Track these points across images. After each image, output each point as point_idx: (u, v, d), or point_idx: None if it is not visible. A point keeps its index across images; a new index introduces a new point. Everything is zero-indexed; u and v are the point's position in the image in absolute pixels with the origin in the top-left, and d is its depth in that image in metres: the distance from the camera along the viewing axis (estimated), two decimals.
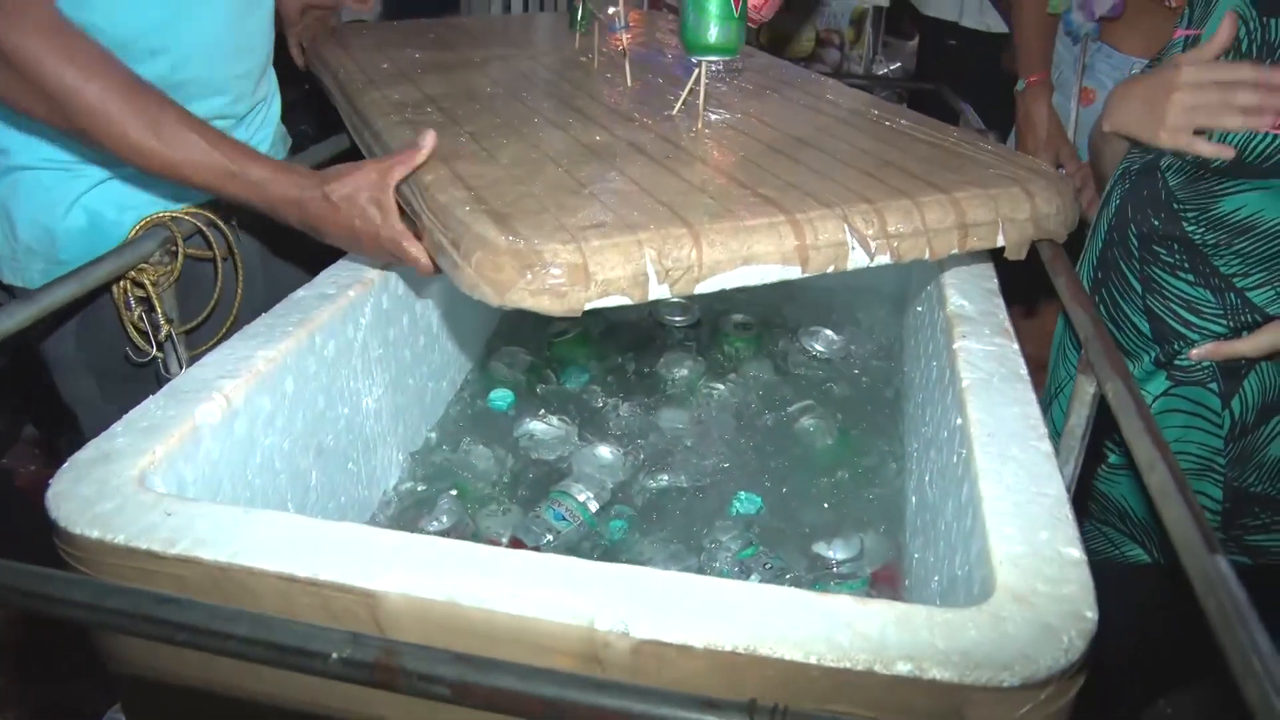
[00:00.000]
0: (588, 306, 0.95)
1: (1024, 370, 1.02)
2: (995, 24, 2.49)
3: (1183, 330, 1.36)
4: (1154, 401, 1.41)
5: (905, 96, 2.86)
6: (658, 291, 0.97)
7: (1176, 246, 1.34)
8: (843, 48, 2.86)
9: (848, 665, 0.63)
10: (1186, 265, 1.33)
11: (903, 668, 0.63)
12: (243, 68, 1.39)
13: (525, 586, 0.68)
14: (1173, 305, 1.36)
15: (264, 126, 1.49)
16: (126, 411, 0.91)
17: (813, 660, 0.63)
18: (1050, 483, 0.82)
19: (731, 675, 0.65)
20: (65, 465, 0.81)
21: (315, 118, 2.00)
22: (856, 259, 1.06)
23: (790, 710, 0.51)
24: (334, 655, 0.52)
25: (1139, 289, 1.39)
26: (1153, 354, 1.40)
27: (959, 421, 0.96)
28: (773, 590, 0.69)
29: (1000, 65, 2.38)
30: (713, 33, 1.25)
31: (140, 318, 1.24)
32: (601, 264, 0.94)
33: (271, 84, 1.51)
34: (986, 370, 1.01)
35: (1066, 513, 0.78)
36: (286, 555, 0.70)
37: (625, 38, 1.49)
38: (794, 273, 1.03)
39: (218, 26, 1.31)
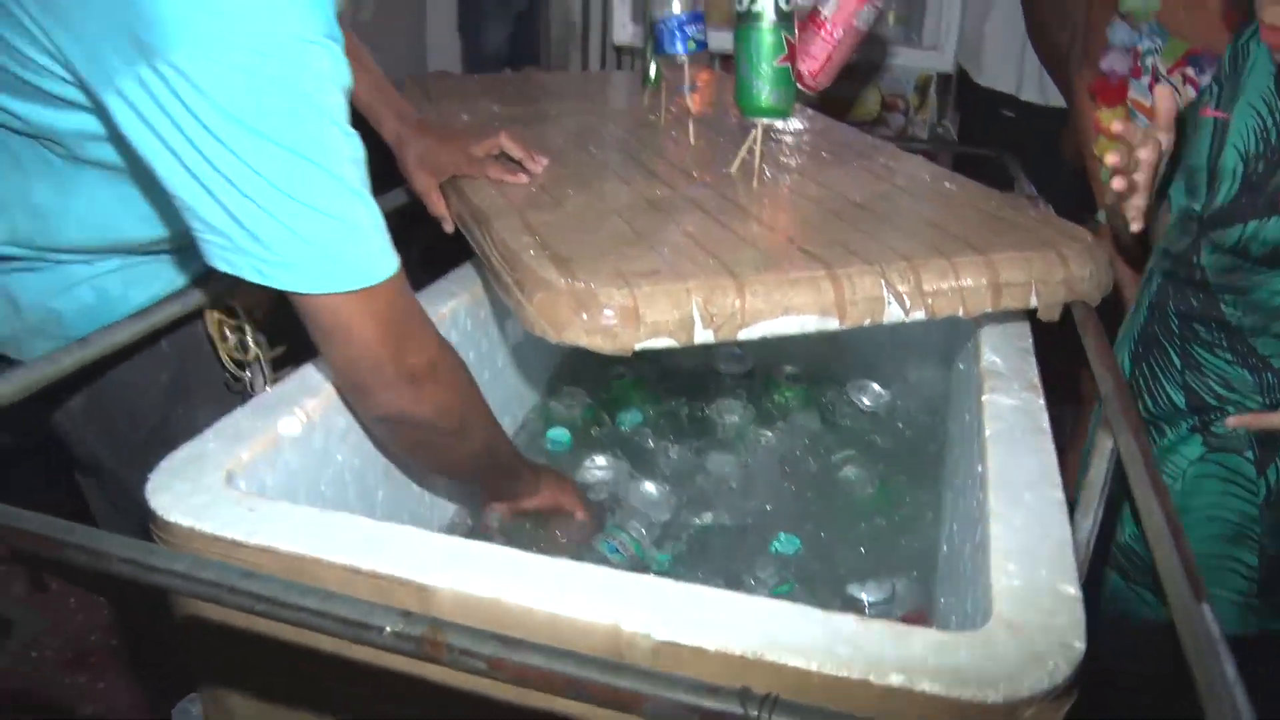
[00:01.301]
0: (637, 347, 1.04)
1: (1045, 424, 1.08)
2: (1055, 98, 2.51)
3: (1219, 405, 1.40)
4: (1189, 467, 1.45)
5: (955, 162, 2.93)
6: (702, 336, 1.05)
7: (1215, 326, 1.38)
8: (907, 113, 2.94)
9: (845, 674, 0.70)
10: (1225, 344, 1.38)
11: (895, 679, 0.69)
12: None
13: (561, 590, 0.76)
14: (1210, 381, 1.40)
15: None
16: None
17: (813, 667, 0.70)
18: (1057, 527, 0.88)
19: (740, 677, 0.71)
20: (163, 462, 0.91)
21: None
22: (892, 313, 1.13)
23: (780, 700, 0.57)
24: (387, 629, 0.60)
25: (1178, 364, 1.43)
26: (1189, 422, 1.44)
27: (980, 469, 1.02)
28: (782, 605, 0.76)
29: (1057, 143, 2.41)
30: (766, 96, 1.34)
31: (230, 340, 1.35)
32: (651, 308, 1.03)
33: None
34: (1010, 422, 1.07)
35: (1068, 553, 0.84)
36: (351, 550, 0.79)
37: (691, 98, 1.59)
38: (832, 324, 1.10)
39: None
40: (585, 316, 1.02)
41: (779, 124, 1.68)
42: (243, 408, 1.05)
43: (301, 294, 0.93)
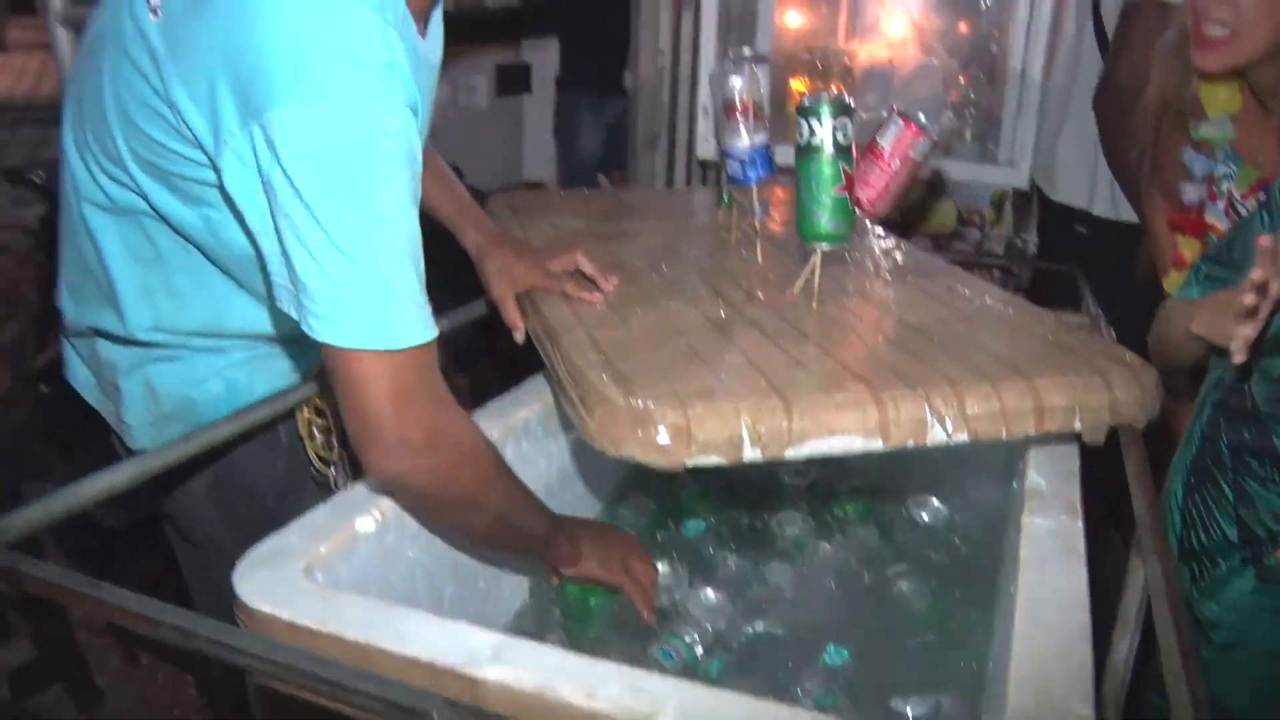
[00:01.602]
0: (689, 463, 1.11)
1: (1081, 548, 1.12)
2: (1127, 213, 2.53)
3: (1271, 537, 1.41)
4: (1243, 599, 1.45)
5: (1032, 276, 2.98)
6: (750, 454, 1.12)
7: (1268, 460, 1.40)
8: (983, 227, 3.00)
9: None
10: (1277, 478, 1.40)
11: None
12: None
13: (600, 688, 0.83)
14: (1262, 514, 1.42)
15: None
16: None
17: None
18: (1078, 651, 0.92)
19: None
20: (250, 551, 1.01)
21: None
22: (936, 435, 1.18)
23: None
24: (434, 715, 0.68)
25: (1231, 498, 1.45)
26: (1242, 554, 1.45)
27: (1013, 590, 1.07)
28: (804, 714, 0.81)
29: (1130, 258, 2.43)
30: (825, 223, 1.42)
31: (318, 439, 1.45)
32: (703, 427, 1.10)
33: None
34: (1047, 546, 1.12)
35: (1086, 677, 0.88)
36: (410, 642, 0.87)
37: (759, 221, 1.68)
38: (875, 445, 1.16)
39: None
40: (641, 434, 1.10)
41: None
42: (324, 504, 1.14)
43: (329, 344, 1.03)
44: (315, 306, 1.03)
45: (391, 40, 1.04)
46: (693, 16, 3.04)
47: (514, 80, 5.37)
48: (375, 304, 1.04)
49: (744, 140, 1.60)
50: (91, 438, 1.94)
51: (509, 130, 5.53)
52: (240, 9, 1.00)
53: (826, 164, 1.39)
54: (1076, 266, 2.26)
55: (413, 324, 1.06)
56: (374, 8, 1.03)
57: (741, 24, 3.36)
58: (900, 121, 1.54)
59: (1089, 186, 2.66)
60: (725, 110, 1.62)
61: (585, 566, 1.39)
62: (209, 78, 1.03)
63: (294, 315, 1.05)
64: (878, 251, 1.81)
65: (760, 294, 1.51)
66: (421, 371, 1.09)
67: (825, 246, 1.45)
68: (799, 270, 1.55)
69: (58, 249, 1.37)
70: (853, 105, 1.40)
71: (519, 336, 1.52)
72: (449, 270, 1.58)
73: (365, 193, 1.01)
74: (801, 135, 1.40)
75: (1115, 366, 1.30)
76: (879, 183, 1.58)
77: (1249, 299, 1.22)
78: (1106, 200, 2.62)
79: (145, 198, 1.19)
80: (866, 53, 3.30)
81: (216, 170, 1.07)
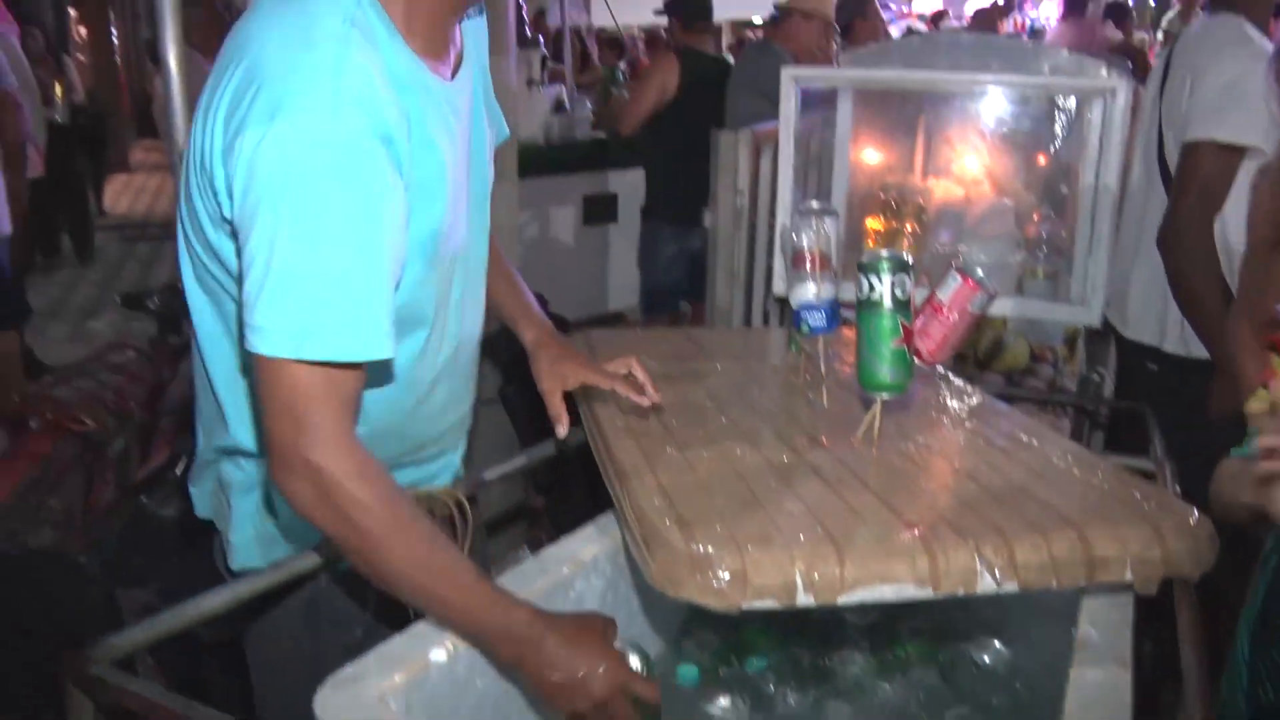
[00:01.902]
0: (744, 607, 1.17)
1: (1128, 699, 1.14)
2: (1198, 350, 2.54)
3: None
4: None
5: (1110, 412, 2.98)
6: (804, 600, 1.18)
7: None
8: (1056, 364, 3.03)
9: None
10: None
11: None
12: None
13: None
14: None
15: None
16: None
17: None
18: None
19: None
20: (330, 677, 1.10)
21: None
22: (985, 584, 1.23)
23: None
24: None
25: None
26: None
27: None
28: None
29: (1202, 395, 2.43)
30: (884, 374, 1.49)
31: None
32: (758, 572, 1.17)
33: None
34: (1092, 697, 1.15)
35: None
36: None
37: (824, 367, 1.75)
38: (926, 593, 1.21)
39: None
40: (700, 578, 1.17)
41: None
42: (400, 634, 1.23)
43: (253, 352, 1.13)
44: (248, 317, 1.13)
45: (353, 79, 1.13)
46: (771, 156, 3.16)
47: (601, 209, 5.58)
48: (297, 313, 1.11)
49: (812, 292, 1.68)
50: (186, 549, 2.08)
51: (595, 258, 5.72)
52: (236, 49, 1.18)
53: (886, 318, 1.47)
54: (1147, 405, 2.28)
55: (329, 337, 1.12)
56: (333, 53, 1.14)
57: (819, 161, 3.48)
58: (959, 277, 1.62)
59: (1159, 323, 2.68)
60: (794, 261, 1.71)
61: (545, 680, 1.21)
62: (223, 130, 1.16)
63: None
64: (942, 394, 1.87)
65: (824, 439, 1.58)
66: (330, 392, 1.15)
67: (885, 396, 1.51)
68: (863, 414, 1.61)
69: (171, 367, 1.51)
70: (910, 262, 1.49)
71: (561, 431, 1.60)
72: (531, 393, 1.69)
73: (302, 211, 1.10)
74: (861, 290, 1.48)
75: (1169, 518, 1.33)
76: (938, 334, 1.65)
77: (1263, 467, 1.27)
78: (1177, 337, 2.63)
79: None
80: (941, 190, 3.39)
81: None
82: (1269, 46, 2.34)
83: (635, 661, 1.28)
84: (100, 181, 11.30)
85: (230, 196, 1.15)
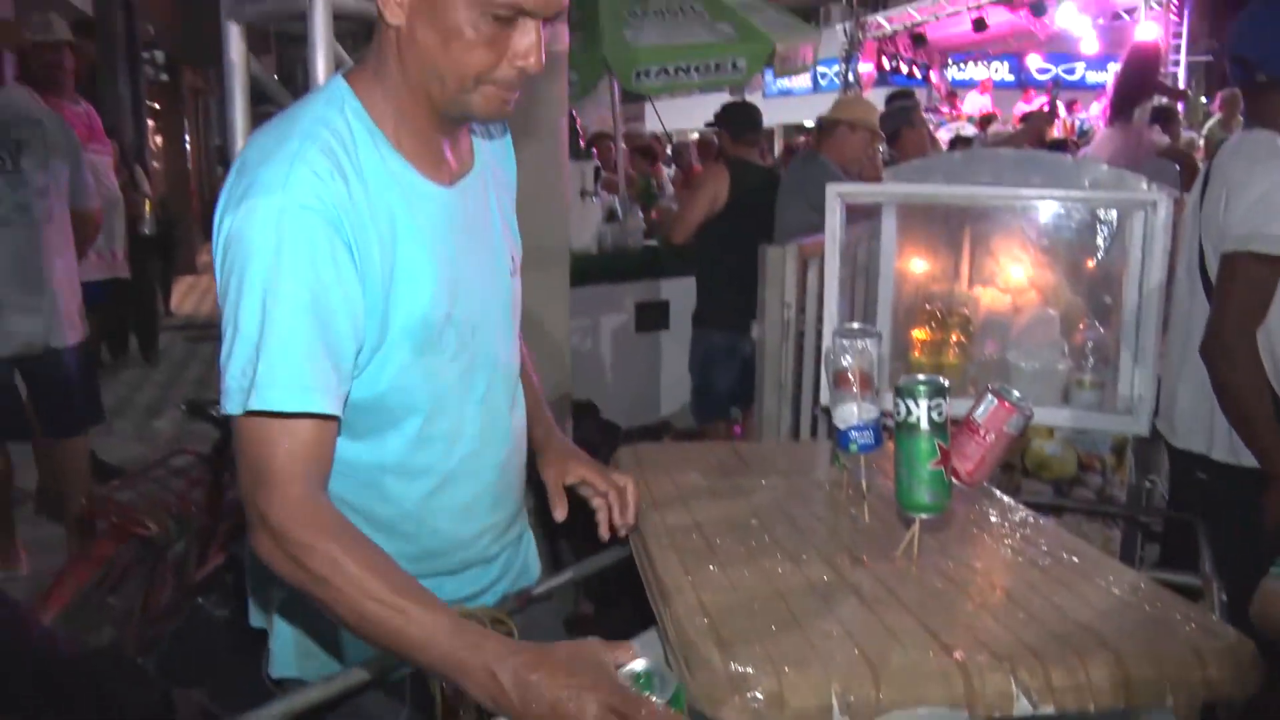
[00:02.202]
0: None
1: None
2: (1247, 459, 2.52)
3: None
4: None
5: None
6: None
7: None
8: (1105, 473, 3.03)
9: None
10: None
11: None
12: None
13: None
14: None
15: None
16: None
17: None
18: None
19: None
20: None
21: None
22: (1021, 707, 1.25)
23: None
24: None
25: None
26: None
27: None
28: None
29: (1255, 505, 2.42)
30: (922, 495, 1.53)
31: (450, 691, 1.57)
32: (795, 694, 1.20)
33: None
34: None
35: None
36: None
37: (865, 484, 1.79)
38: (961, 716, 1.23)
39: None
40: (738, 698, 1.20)
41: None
42: None
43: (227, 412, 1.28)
44: (221, 384, 1.29)
45: (304, 170, 1.31)
46: (818, 268, 3.23)
47: (653, 317, 5.67)
48: (248, 370, 1.26)
49: (853, 412, 1.73)
50: (239, 651, 2.14)
51: (646, 365, 5.79)
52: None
53: (923, 440, 1.52)
54: (1197, 516, 2.28)
55: (270, 389, 1.25)
56: (296, 148, 1.33)
57: (866, 271, 3.55)
58: (994, 399, 1.66)
59: (1207, 431, 2.66)
60: (837, 381, 1.76)
61: (528, 712, 1.12)
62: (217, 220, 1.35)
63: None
64: (984, 509, 1.89)
65: (865, 557, 1.61)
66: (284, 445, 1.27)
67: (924, 515, 1.55)
68: (904, 530, 1.64)
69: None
70: (946, 385, 1.53)
71: (559, 515, 1.68)
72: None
73: (254, 281, 1.28)
74: (899, 413, 1.53)
75: (1210, 641, 1.34)
76: (975, 455, 1.68)
77: None
78: (1226, 445, 2.62)
79: None
80: (988, 298, 3.43)
81: None
82: None
83: (657, 684, 1.16)
84: (169, 283, 11.68)
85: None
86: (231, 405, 1.27)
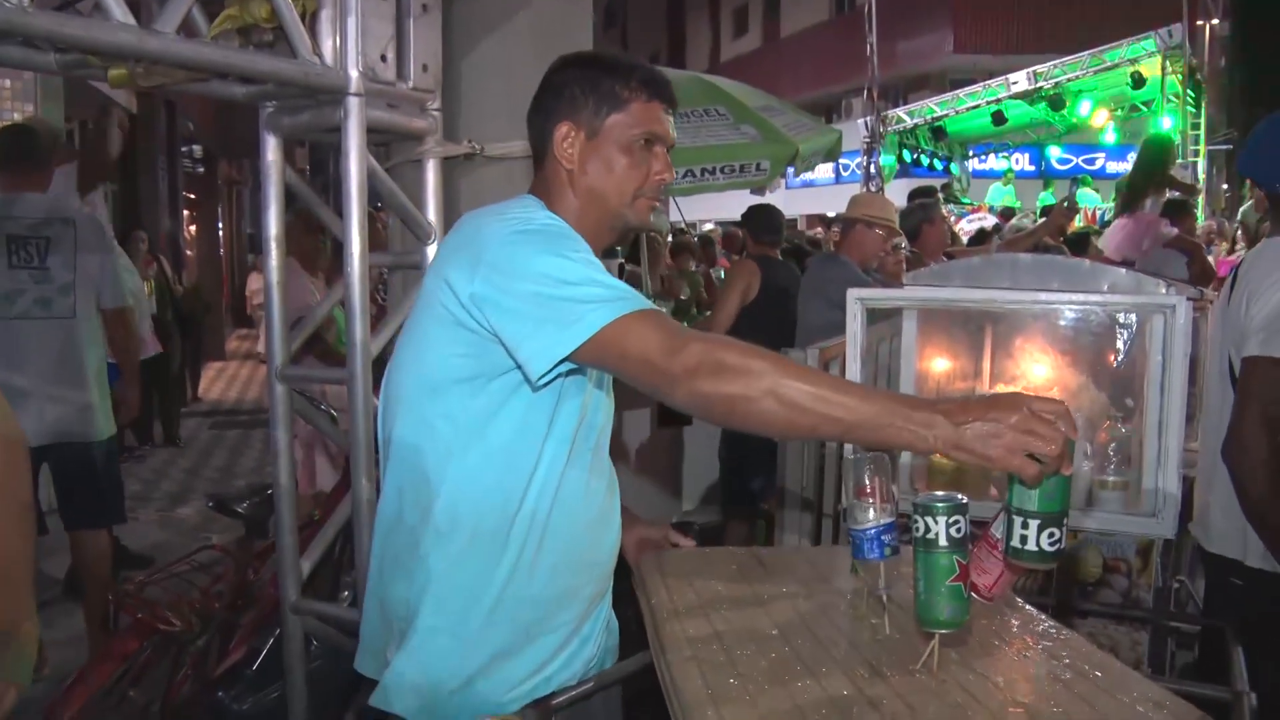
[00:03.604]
0: None
1: None
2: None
3: None
4: None
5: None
6: None
7: None
8: (1130, 576, 3.01)
9: None
10: None
11: None
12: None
13: None
14: None
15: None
16: None
17: None
18: None
19: None
20: None
21: None
22: None
23: None
24: None
25: None
26: None
27: None
28: None
29: None
30: (940, 611, 1.54)
31: None
32: None
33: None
34: None
35: None
36: None
37: (885, 595, 1.79)
38: None
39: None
40: None
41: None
42: None
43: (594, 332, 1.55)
44: (563, 317, 1.59)
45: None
46: (840, 369, 3.26)
47: (674, 412, 5.68)
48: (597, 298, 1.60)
49: (871, 520, 1.74)
50: None
51: (668, 462, 5.80)
52: None
53: (941, 555, 1.53)
54: (1228, 623, 2.26)
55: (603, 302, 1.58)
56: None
57: (889, 370, 3.57)
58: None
59: (1242, 537, 2.65)
60: (856, 492, 1.78)
61: (963, 440, 1.42)
62: None
63: (552, 348, 1.58)
64: (1007, 619, 1.89)
65: (885, 670, 1.61)
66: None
67: (943, 631, 1.56)
68: (925, 642, 1.64)
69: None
70: (966, 502, 1.55)
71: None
72: None
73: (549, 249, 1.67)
74: (917, 530, 1.55)
75: None
76: (994, 569, 1.68)
77: None
78: (1260, 551, 2.60)
79: None
80: None
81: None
82: None
83: None
84: (198, 369, 11.84)
85: None
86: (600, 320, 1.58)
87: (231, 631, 3.63)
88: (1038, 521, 1.50)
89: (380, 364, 3.03)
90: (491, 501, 1.74)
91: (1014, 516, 1.52)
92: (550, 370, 1.59)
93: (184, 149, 14.07)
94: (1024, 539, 1.51)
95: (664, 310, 1.61)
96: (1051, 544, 1.51)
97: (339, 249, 2.62)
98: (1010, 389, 3.39)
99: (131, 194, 12.00)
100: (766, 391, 1.47)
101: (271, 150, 2.77)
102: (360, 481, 2.69)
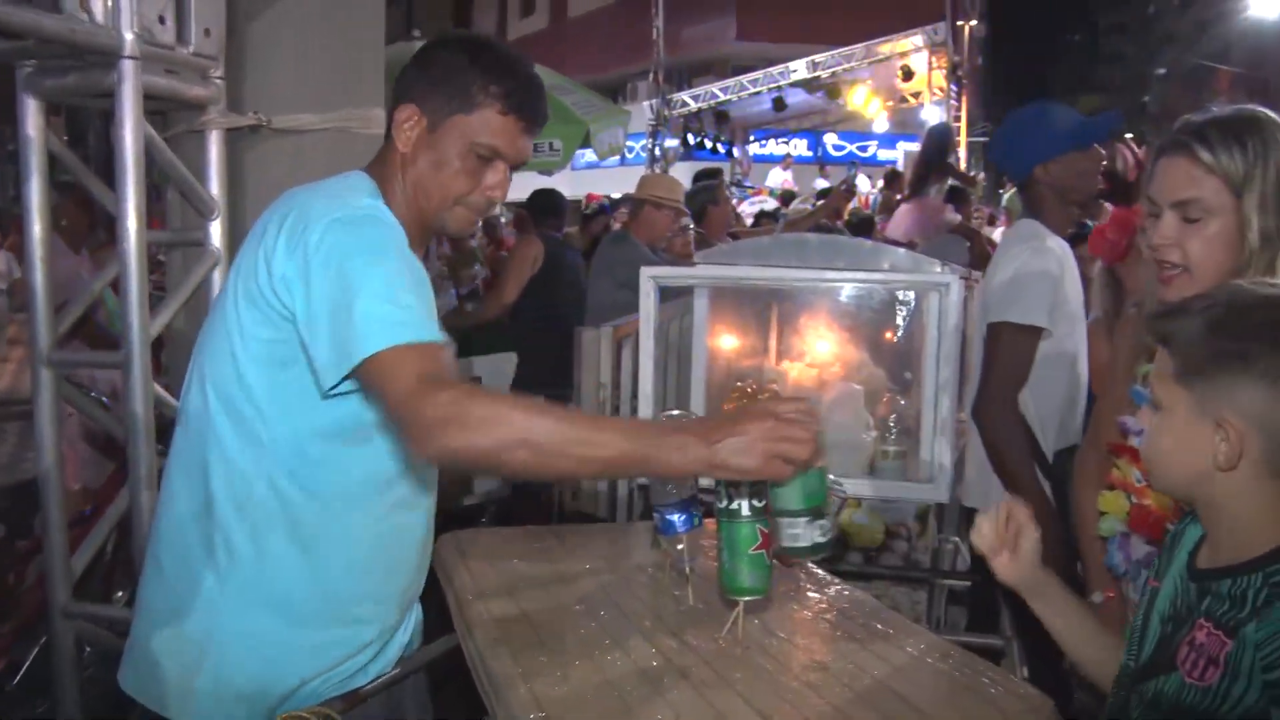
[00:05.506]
0: None
1: None
2: None
3: None
4: None
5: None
6: None
7: None
8: (910, 539, 3.18)
9: None
10: None
11: None
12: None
13: None
14: None
15: None
16: None
17: None
18: None
19: None
20: None
21: None
22: None
23: None
24: None
25: None
26: None
27: None
28: None
29: None
30: (747, 579, 1.58)
31: None
32: None
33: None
34: None
35: None
36: None
37: (688, 567, 1.83)
38: None
39: None
40: None
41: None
42: None
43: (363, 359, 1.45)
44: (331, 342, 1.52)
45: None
46: (632, 347, 3.30)
47: None
48: (390, 318, 1.49)
49: (670, 495, 1.78)
50: None
51: None
52: None
53: (744, 526, 1.56)
54: (990, 580, 2.41)
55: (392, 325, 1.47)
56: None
57: (678, 349, 3.64)
58: None
59: (989, 490, 2.84)
60: None
61: (717, 458, 1.42)
62: None
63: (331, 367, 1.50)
64: (803, 585, 1.96)
65: (691, 639, 1.65)
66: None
67: (747, 599, 1.60)
68: (728, 611, 1.68)
69: None
70: None
71: None
72: None
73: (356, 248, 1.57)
74: (720, 500, 1.58)
75: (1015, 703, 1.44)
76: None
77: None
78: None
79: None
80: (795, 373, 3.56)
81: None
82: (1056, 244, 2.69)
83: None
84: None
85: None
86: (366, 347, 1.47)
87: None
88: (806, 518, 1.59)
89: (158, 347, 2.88)
90: (285, 489, 1.66)
91: (780, 519, 1.59)
92: (337, 385, 1.53)
93: None
94: (796, 536, 1.59)
95: (449, 346, 1.55)
96: (824, 533, 1.60)
97: (110, 225, 2.46)
98: (796, 365, 3.53)
99: None
100: (519, 442, 1.41)
101: (32, 114, 2.56)
102: (139, 472, 2.54)
